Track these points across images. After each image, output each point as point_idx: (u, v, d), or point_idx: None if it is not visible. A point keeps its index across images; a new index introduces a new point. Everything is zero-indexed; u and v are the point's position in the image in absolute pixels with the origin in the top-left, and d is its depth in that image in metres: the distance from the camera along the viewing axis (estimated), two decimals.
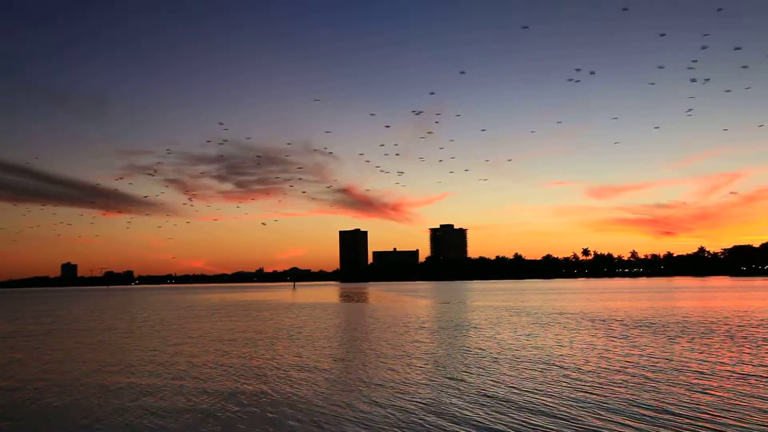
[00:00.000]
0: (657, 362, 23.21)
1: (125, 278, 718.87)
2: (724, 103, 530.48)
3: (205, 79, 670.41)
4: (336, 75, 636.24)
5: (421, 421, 14.85)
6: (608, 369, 21.89)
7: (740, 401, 16.27)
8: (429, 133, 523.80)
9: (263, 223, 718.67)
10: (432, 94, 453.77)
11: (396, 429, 14.24)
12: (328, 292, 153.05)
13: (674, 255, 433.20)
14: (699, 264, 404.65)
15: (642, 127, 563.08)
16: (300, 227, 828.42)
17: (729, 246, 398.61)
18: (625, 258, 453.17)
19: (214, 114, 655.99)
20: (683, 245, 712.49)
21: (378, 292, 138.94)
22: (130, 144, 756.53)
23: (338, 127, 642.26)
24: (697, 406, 15.82)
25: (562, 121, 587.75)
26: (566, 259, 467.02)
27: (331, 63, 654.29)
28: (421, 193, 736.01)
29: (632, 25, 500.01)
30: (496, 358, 25.17)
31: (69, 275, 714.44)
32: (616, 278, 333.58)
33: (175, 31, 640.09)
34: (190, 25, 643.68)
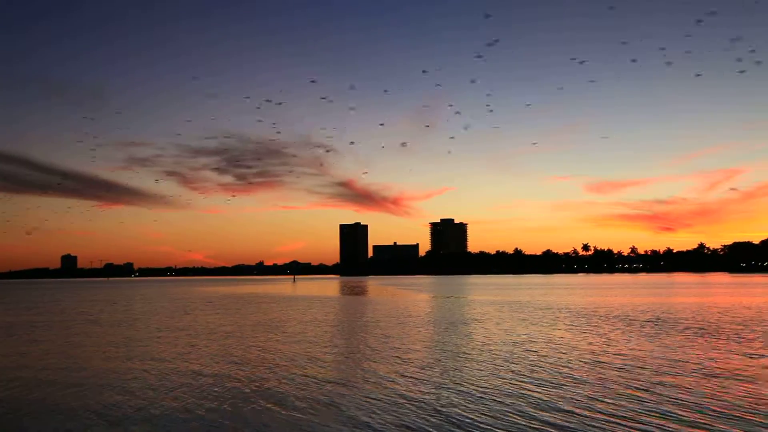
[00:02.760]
0: (623, 357, 23.18)
1: (125, 270, 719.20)
2: (724, 99, 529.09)
3: (205, 71, 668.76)
4: (336, 68, 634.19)
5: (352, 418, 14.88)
6: (571, 364, 21.85)
7: (692, 398, 16.21)
8: (428, 126, 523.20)
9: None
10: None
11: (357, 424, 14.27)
12: (328, 286, 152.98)
13: (674, 251, 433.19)
14: (699, 260, 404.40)
15: (642, 122, 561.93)
16: (300, 220, 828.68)
17: (729, 242, 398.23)
18: (625, 253, 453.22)
19: (213, 106, 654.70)
20: (683, 241, 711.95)
21: (377, 286, 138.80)
22: (129, 136, 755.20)
23: (338, 120, 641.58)
24: (644, 402, 15.81)
25: (562, 116, 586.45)
26: (566, 254, 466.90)
27: (332, 55, 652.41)
28: (421, 187, 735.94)
29: (636, 19, 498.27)
30: (468, 354, 25.31)
31: (69, 267, 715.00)
32: (616, 274, 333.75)
33: (175, 23, 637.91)
34: (190, 18, 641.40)
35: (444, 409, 15.37)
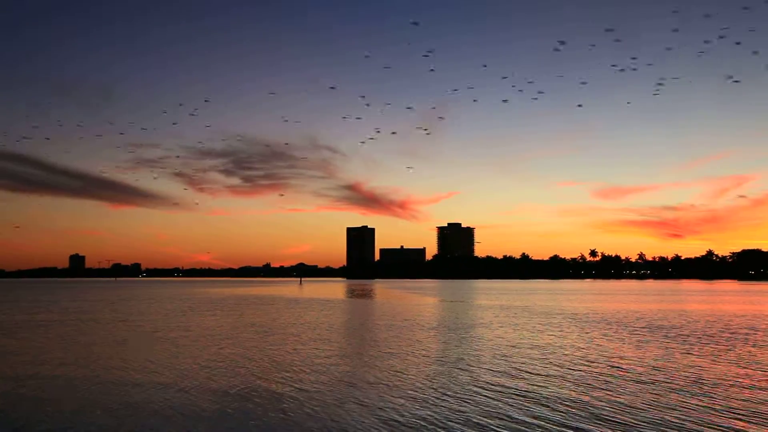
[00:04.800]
0: (600, 361, 23.09)
1: (133, 271, 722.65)
2: (733, 105, 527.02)
3: (212, 72, 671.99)
4: (344, 71, 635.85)
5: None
6: (549, 368, 21.80)
7: (659, 403, 16.11)
8: (437, 130, 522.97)
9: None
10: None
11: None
12: (334, 288, 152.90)
13: (682, 257, 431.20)
14: (707, 267, 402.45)
15: (651, 128, 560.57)
16: (306, 223, 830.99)
17: (737, 249, 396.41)
18: (633, 260, 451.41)
19: (220, 108, 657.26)
20: (691, 248, 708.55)
21: (383, 290, 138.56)
22: (137, 136, 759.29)
23: (345, 123, 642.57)
24: (621, 406, 15.72)
25: (571, 121, 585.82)
26: (573, 259, 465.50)
27: (340, 59, 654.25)
28: (428, 191, 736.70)
29: (643, 24, 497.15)
30: (448, 359, 25.41)
31: (77, 267, 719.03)
32: (624, 280, 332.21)
33: (182, 24, 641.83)
34: (197, 19, 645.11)
35: (407, 414, 15.37)
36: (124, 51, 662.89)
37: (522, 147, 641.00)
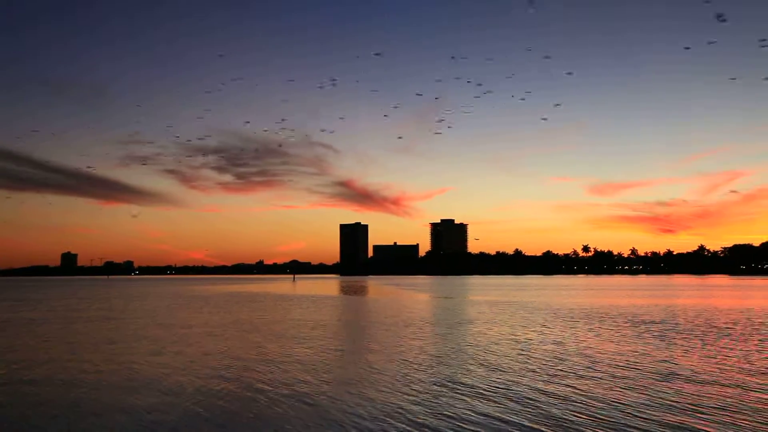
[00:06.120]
0: (585, 356, 23.30)
1: (125, 268, 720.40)
2: (726, 101, 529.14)
3: (206, 69, 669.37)
4: (337, 67, 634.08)
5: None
6: (527, 364, 22.02)
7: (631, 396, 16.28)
8: (430, 126, 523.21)
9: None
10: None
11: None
12: (327, 285, 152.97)
13: (674, 253, 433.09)
14: (699, 262, 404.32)
15: (644, 124, 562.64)
16: (300, 220, 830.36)
17: (729, 245, 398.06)
18: (625, 255, 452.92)
19: (214, 105, 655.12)
20: (683, 243, 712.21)
21: (376, 286, 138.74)
22: (129, 134, 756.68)
23: (339, 120, 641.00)
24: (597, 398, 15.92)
25: (564, 117, 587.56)
26: (566, 255, 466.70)
27: (333, 55, 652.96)
28: (421, 187, 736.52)
29: (633, 22, 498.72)
30: (438, 355, 25.59)
31: (69, 264, 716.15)
32: (616, 275, 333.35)
33: (176, 21, 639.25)
34: (191, 16, 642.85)
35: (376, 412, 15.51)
36: (118, 50, 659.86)
37: (515, 143, 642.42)
